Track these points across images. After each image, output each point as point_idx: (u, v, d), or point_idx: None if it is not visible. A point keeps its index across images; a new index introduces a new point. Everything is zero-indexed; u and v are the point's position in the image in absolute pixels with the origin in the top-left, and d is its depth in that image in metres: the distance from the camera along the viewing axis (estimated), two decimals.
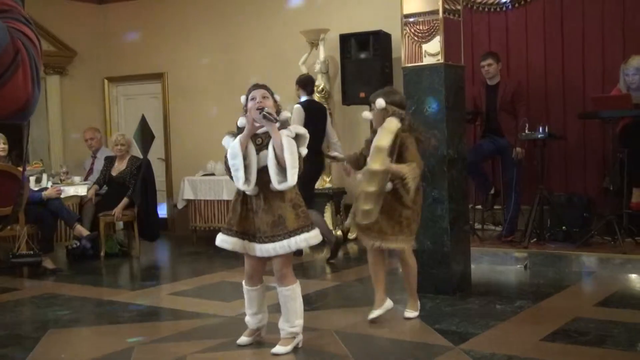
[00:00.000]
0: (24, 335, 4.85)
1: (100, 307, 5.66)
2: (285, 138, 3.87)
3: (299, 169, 3.91)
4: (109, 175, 8.09)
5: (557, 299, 5.37)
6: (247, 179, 3.91)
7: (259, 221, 4.02)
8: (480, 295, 5.46)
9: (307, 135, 4.03)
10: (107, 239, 8.04)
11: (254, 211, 4.04)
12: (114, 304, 5.72)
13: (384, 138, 4.46)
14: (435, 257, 5.42)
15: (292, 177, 3.85)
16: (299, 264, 7.12)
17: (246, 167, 3.91)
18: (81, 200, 8.06)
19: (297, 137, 3.96)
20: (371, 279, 4.89)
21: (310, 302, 5.36)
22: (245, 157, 3.91)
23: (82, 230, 7.46)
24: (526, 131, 6.75)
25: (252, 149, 3.96)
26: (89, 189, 8.06)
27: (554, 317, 4.77)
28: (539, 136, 6.71)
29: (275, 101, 4.07)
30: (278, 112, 4.02)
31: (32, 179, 7.58)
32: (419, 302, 4.91)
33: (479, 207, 7.53)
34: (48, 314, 5.42)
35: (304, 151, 3.99)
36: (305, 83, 7.37)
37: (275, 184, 3.88)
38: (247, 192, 4.01)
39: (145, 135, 10.60)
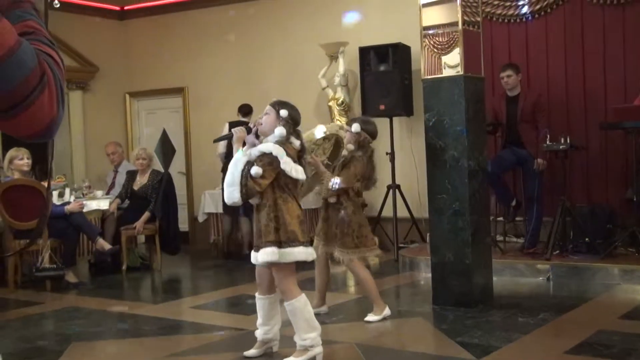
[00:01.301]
0: (47, 349, 4.88)
1: (122, 320, 5.69)
2: (236, 156, 4.07)
3: (250, 187, 3.98)
4: (131, 189, 8.15)
5: (581, 312, 5.31)
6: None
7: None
8: (503, 307, 5.41)
9: (276, 153, 4.03)
10: (128, 253, 8.09)
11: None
12: (135, 317, 5.74)
13: (315, 133, 4.99)
14: (457, 270, 5.39)
15: (226, 194, 4.05)
16: None
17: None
18: (103, 214, 8.11)
19: (269, 155, 4.02)
20: (380, 290, 5.27)
21: (331, 315, 5.36)
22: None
23: (104, 244, 7.51)
24: (547, 142, 6.71)
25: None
26: (111, 203, 8.11)
27: (577, 329, 4.72)
28: (561, 147, 6.67)
29: (278, 116, 4.13)
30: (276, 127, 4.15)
31: (54, 193, 7.64)
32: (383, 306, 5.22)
33: (501, 218, 7.48)
34: (71, 328, 5.45)
35: (294, 173, 4.05)
36: (240, 107, 8.64)
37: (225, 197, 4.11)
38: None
39: (166, 149, 10.70)
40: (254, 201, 4.14)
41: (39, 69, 1.19)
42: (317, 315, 5.07)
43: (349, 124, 5.26)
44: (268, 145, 4.05)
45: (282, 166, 4.01)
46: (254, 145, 4.14)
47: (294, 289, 4.15)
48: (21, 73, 1.16)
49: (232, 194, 3.99)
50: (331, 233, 5.15)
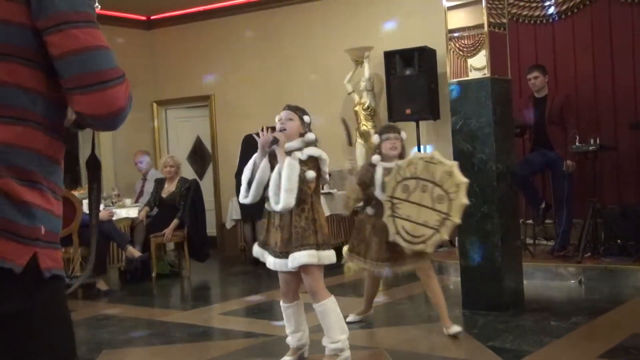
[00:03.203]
0: (79, 356, 4.90)
1: (153, 327, 5.72)
2: (287, 161, 3.98)
3: (300, 189, 3.96)
4: (159, 197, 8.20)
5: (614, 315, 5.24)
6: (247, 194, 4.12)
7: (276, 236, 4.13)
8: (534, 311, 5.35)
9: (324, 157, 4.08)
10: (158, 260, 8.14)
11: (274, 226, 4.16)
12: (166, 324, 5.77)
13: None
14: (487, 273, 5.34)
15: (284, 200, 3.94)
16: (348, 282, 7.10)
17: (249, 183, 4.12)
18: (132, 222, 8.17)
19: (314, 159, 4.03)
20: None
21: (361, 320, 5.33)
22: (255, 173, 4.11)
23: (133, 251, 7.57)
24: (576, 143, 6.64)
25: (267, 167, 4.10)
26: (140, 211, 8.17)
27: (611, 333, 4.65)
28: (590, 148, 6.59)
29: (303, 122, 4.13)
30: (304, 133, 4.11)
31: (84, 202, 7.72)
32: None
33: (530, 221, 7.41)
34: (102, 335, 5.50)
35: (326, 169, 4.09)
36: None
37: (273, 204, 4.00)
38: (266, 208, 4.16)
39: (201, 156, 10.89)
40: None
41: (120, 69, 1.59)
42: (351, 322, 4.98)
43: (397, 131, 4.90)
44: (316, 149, 4.08)
45: (324, 169, 4.07)
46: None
47: (325, 290, 4.13)
48: (109, 63, 1.57)
49: (289, 199, 3.94)
50: (385, 247, 4.77)
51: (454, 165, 4.52)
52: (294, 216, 4.05)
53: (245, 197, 4.15)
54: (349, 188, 4.89)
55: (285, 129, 4.10)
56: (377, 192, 4.73)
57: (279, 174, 3.97)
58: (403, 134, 4.88)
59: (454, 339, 4.69)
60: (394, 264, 4.76)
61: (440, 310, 4.84)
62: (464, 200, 4.40)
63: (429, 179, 4.51)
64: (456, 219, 4.41)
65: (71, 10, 1.51)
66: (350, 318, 5.15)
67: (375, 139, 4.91)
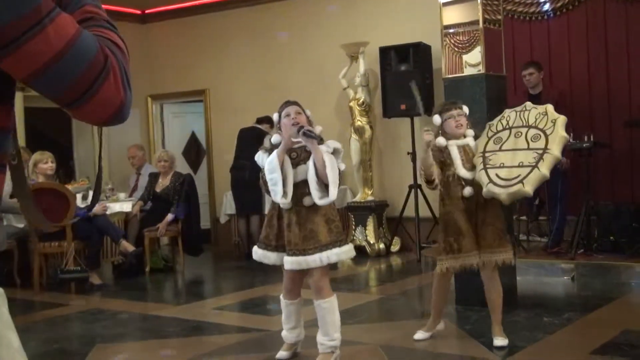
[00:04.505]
0: (72, 350, 4.93)
1: (146, 321, 5.72)
2: (326, 155, 3.93)
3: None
4: (153, 191, 8.20)
5: (606, 311, 5.26)
6: (284, 192, 3.95)
7: (290, 234, 4.03)
8: (527, 307, 5.37)
9: (342, 150, 4.11)
10: (151, 255, 8.13)
11: (287, 224, 4.06)
12: (159, 318, 5.77)
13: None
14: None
15: (333, 193, 3.90)
16: (341, 277, 7.10)
17: (283, 181, 3.95)
18: (126, 217, 8.17)
19: (334, 152, 4.03)
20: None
21: (354, 316, 5.34)
22: (281, 171, 3.97)
23: (127, 246, 7.56)
24: (571, 140, 6.65)
25: (288, 163, 4.00)
26: (133, 205, 8.17)
27: (603, 329, 4.67)
28: (584, 145, 6.61)
29: (307, 117, 4.12)
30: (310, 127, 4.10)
31: (78, 196, 7.70)
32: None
33: (524, 218, 7.43)
34: (95, 329, 5.50)
35: (342, 166, 4.06)
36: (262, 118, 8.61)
37: (317, 199, 3.92)
38: (282, 206, 4.05)
39: (196, 150, 10.91)
40: (289, 205, 4.01)
41: (101, 55, 1.22)
42: (420, 340, 4.60)
43: (460, 106, 4.40)
44: (337, 142, 4.08)
45: (338, 164, 4.03)
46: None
47: (330, 287, 4.13)
48: (83, 63, 1.18)
49: (336, 192, 3.93)
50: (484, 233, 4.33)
51: (548, 106, 4.42)
52: (329, 210, 4.02)
53: (284, 196, 3.92)
54: (425, 163, 4.28)
55: (299, 123, 4.01)
56: (461, 171, 4.30)
57: (316, 168, 3.90)
58: (465, 108, 4.40)
59: (445, 336, 4.70)
60: (483, 252, 4.30)
61: (494, 316, 4.47)
62: (563, 133, 4.17)
63: (523, 125, 4.33)
64: (556, 151, 4.10)
65: (14, 19, 1.11)
66: (419, 335, 4.59)
67: (436, 119, 4.37)
